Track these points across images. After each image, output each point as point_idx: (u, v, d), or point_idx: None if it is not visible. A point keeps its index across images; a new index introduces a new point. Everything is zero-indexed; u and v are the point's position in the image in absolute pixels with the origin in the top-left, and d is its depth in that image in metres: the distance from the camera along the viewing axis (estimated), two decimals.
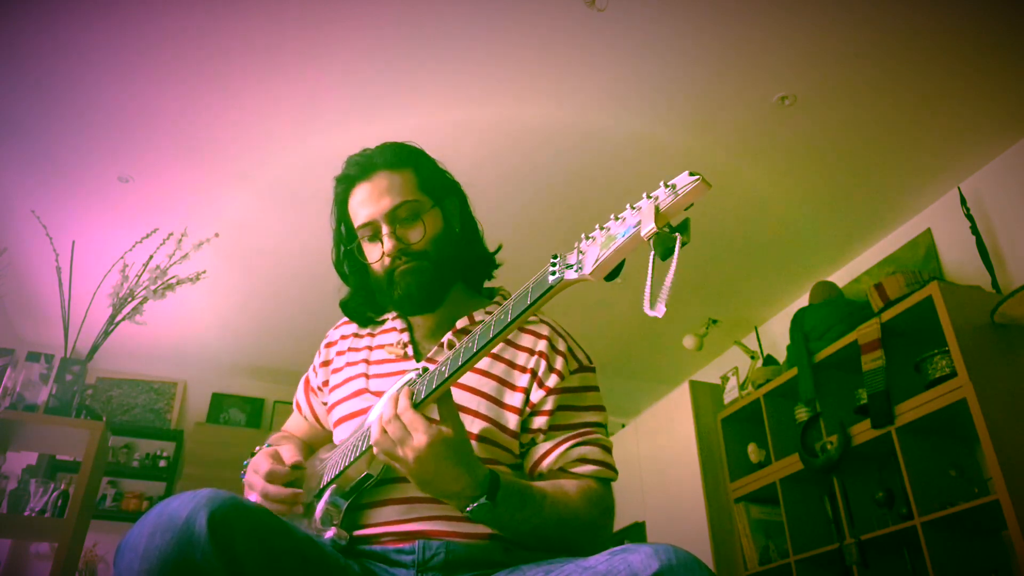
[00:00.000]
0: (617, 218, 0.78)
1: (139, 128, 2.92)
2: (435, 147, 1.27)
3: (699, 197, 0.73)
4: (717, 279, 3.98)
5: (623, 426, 4.78)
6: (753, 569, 3.52)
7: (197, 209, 3.37)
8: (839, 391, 3.26)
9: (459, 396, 1.06)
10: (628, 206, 0.77)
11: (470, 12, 2.44)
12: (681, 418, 4.08)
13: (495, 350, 1.12)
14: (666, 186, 0.73)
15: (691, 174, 0.72)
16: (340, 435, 1.17)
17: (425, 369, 0.97)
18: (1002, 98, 2.78)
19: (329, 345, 1.30)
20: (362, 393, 1.16)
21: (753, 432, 3.78)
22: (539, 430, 1.09)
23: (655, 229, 0.73)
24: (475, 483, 0.92)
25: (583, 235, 0.81)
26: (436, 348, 1.15)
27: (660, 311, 0.72)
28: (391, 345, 1.20)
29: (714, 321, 4.32)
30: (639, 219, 0.74)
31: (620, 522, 4.34)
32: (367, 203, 1.15)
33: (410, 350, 1.18)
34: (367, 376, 1.18)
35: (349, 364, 1.23)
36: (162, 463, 4.79)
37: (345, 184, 1.19)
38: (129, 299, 2.87)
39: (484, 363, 1.11)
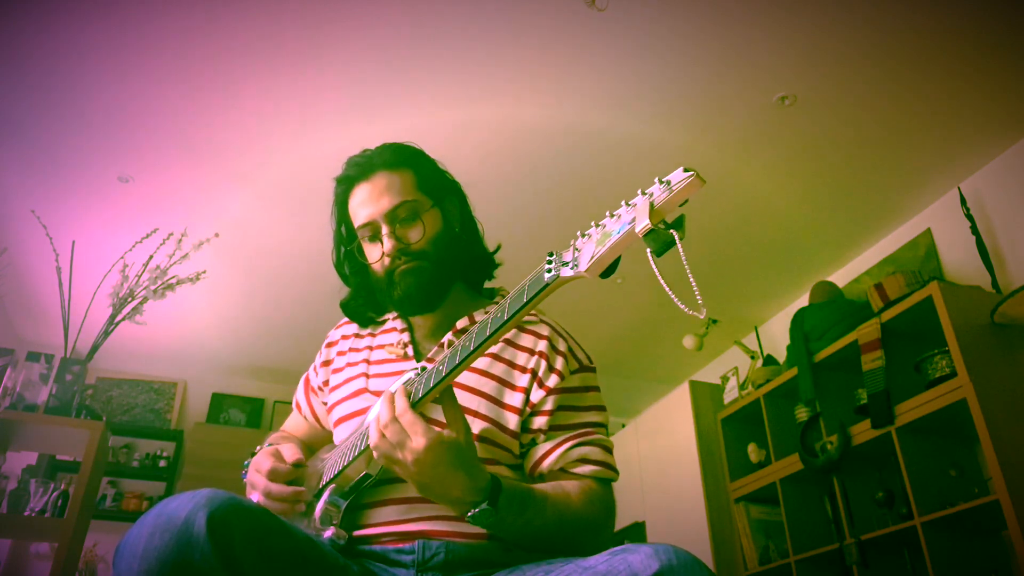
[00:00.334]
0: (612, 215, 0.77)
1: (139, 128, 2.92)
2: (435, 147, 1.27)
3: (694, 193, 0.72)
4: (717, 279, 3.98)
5: (623, 426, 4.78)
6: (753, 569, 3.52)
7: (197, 209, 3.37)
8: (839, 391, 3.26)
9: (459, 396, 1.05)
10: (623, 203, 0.76)
11: (470, 12, 2.44)
12: (681, 418, 4.08)
13: (495, 350, 1.12)
14: (660, 182, 0.73)
15: (685, 170, 0.72)
16: (340, 435, 1.16)
17: (423, 368, 0.97)
18: (1002, 98, 2.78)
19: (330, 345, 1.30)
20: (362, 393, 1.16)
21: (753, 432, 3.78)
22: (539, 430, 1.08)
23: (650, 225, 0.72)
24: (476, 488, 0.91)
25: (579, 232, 0.81)
26: (436, 348, 1.15)
27: (701, 312, 0.72)
28: (391, 345, 1.20)
29: (714, 321, 4.32)
30: (634, 215, 0.74)
31: (620, 522, 4.34)
32: (367, 203, 1.15)
33: (410, 350, 1.18)
34: (367, 376, 1.18)
35: (349, 364, 1.23)
36: (162, 463, 4.79)
37: (345, 185, 1.19)
38: (129, 299, 2.87)
39: (484, 363, 1.11)
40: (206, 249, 3.08)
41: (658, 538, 4.04)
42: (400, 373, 1.08)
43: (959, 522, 2.60)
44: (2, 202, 3.35)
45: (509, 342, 1.14)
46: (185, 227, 3.12)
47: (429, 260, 1.14)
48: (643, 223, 0.72)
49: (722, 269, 3.88)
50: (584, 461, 1.07)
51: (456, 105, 2.83)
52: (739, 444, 3.82)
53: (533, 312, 1.19)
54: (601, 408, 1.14)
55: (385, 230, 1.13)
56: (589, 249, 0.78)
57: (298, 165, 3.12)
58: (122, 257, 2.92)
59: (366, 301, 1.25)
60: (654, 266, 0.74)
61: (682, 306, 0.73)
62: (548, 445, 1.08)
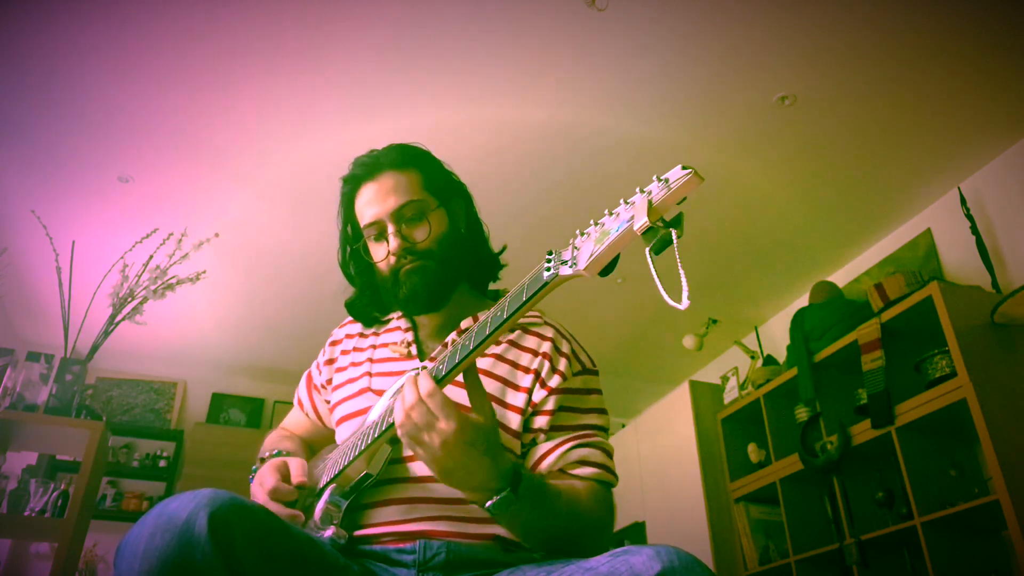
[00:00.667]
0: (611, 213, 0.77)
1: (139, 128, 2.92)
2: (435, 147, 1.27)
3: (692, 190, 0.72)
4: (717, 279, 3.98)
5: (623, 426, 4.78)
6: (753, 569, 3.52)
7: (197, 209, 3.37)
8: (839, 391, 3.26)
9: (461, 395, 1.06)
10: (622, 201, 0.76)
11: (470, 12, 2.44)
12: (681, 418, 4.08)
13: (498, 350, 1.12)
14: (659, 180, 0.73)
15: (683, 167, 0.72)
16: (342, 434, 1.17)
17: (423, 368, 0.97)
18: (1002, 98, 2.78)
19: (334, 344, 1.30)
20: (364, 392, 1.16)
21: (753, 432, 3.78)
22: (540, 430, 1.08)
23: (648, 223, 0.72)
24: (499, 474, 0.89)
25: (578, 231, 0.81)
26: (440, 348, 1.15)
27: (684, 303, 0.71)
28: (395, 344, 1.20)
29: (714, 321, 4.32)
30: (632, 214, 0.74)
31: (620, 522, 4.34)
32: (373, 203, 1.15)
33: (414, 349, 1.18)
34: (370, 375, 1.18)
35: (353, 364, 1.23)
36: (162, 463, 4.79)
37: (351, 184, 1.20)
38: (129, 299, 2.87)
39: (487, 363, 1.11)
40: (206, 249, 3.08)
41: (658, 538, 4.04)
42: (403, 372, 1.08)
43: (959, 522, 2.60)
44: (2, 202, 3.35)
45: (513, 343, 1.14)
46: (185, 227, 3.12)
47: (434, 259, 1.14)
48: (641, 221, 0.72)
49: (722, 269, 3.88)
50: (584, 463, 1.07)
51: (456, 105, 2.83)
52: (739, 444, 3.82)
53: (537, 314, 1.19)
54: (603, 412, 1.14)
55: (391, 229, 1.13)
56: (588, 248, 0.78)
57: (298, 165, 3.12)
58: (122, 257, 2.92)
59: (371, 300, 1.25)
60: (650, 262, 0.73)
61: (666, 297, 0.72)
62: (548, 445, 1.08)
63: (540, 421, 1.08)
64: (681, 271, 0.71)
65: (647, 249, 0.73)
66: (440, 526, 1.01)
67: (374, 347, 1.23)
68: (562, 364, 1.11)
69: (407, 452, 1.06)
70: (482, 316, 1.15)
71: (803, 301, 3.88)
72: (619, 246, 0.76)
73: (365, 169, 1.18)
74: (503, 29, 2.50)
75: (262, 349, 4.80)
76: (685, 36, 2.52)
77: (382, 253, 1.16)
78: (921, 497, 2.68)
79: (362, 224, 1.18)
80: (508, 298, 0.87)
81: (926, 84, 2.70)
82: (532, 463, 1.09)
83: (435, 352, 1.15)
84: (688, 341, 4.34)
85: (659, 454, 4.25)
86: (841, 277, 3.82)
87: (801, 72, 2.66)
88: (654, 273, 0.73)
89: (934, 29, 2.48)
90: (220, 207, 3.38)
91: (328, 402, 1.27)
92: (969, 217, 3.05)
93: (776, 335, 4.25)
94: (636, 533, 4.24)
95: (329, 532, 0.99)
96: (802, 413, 3.37)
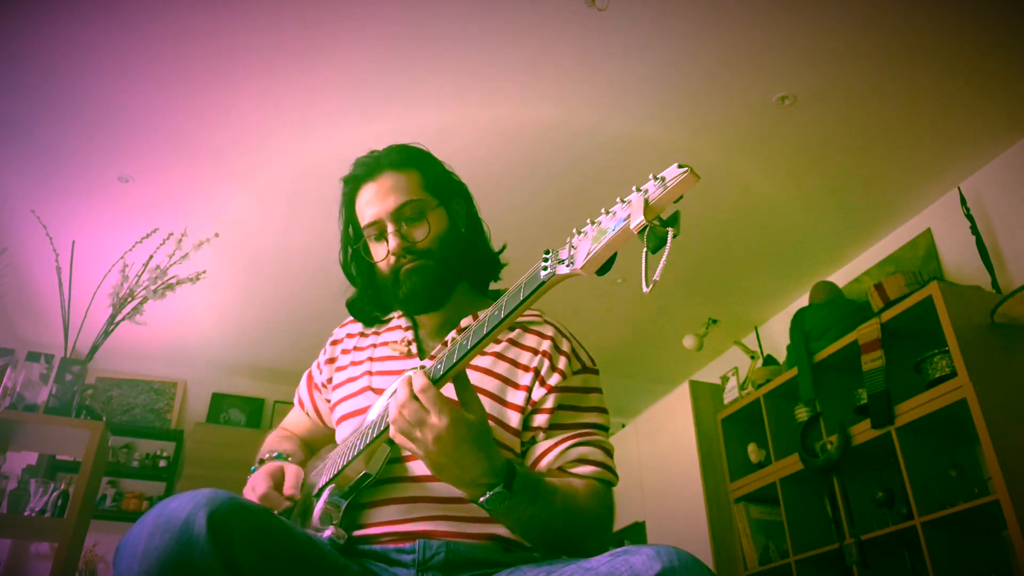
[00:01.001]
0: (608, 212, 0.77)
1: (139, 128, 2.92)
2: (435, 146, 1.28)
3: (688, 188, 0.72)
4: (717, 279, 3.98)
5: (623, 426, 4.78)
6: (753, 569, 3.52)
7: (197, 209, 3.37)
8: (839, 391, 3.26)
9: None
10: (618, 199, 0.76)
11: (470, 12, 2.44)
12: (681, 418, 4.08)
13: (498, 349, 1.12)
14: (655, 178, 0.73)
15: (680, 166, 0.72)
16: (342, 433, 1.17)
17: (422, 368, 0.97)
18: (1002, 98, 2.78)
19: (335, 343, 1.30)
20: (364, 391, 1.16)
21: (753, 432, 3.78)
22: (539, 428, 1.08)
23: (644, 222, 0.72)
24: (492, 470, 0.89)
25: (575, 230, 0.81)
26: (440, 347, 1.15)
27: (647, 288, 0.71)
28: (395, 343, 1.20)
29: (714, 321, 4.32)
30: (629, 212, 0.74)
31: (620, 522, 4.34)
32: (373, 202, 1.16)
33: (414, 348, 1.18)
34: (371, 373, 1.18)
35: (353, 363, 1.23)
36: (162, 463, 4.79)
37: (352, 184, 1.21)
38: (129, 299, 2.87)
39: (487, 361, 1.11)
40: (206, 249, 3.08)
41: (658, 538, 4.04)
42: (403, 371, 1.08)
43: (959, 522, 2.59)
44: (2, 202, 3.35)
45: (513, 341, 1.14)
46: (185, 227, 3.11)
47: (434, 259, 1.14)
48: (638, 220, 0.72)
49: (722, 269, 3.88)
50: (583, 461, 1.06)
51: (457, 105, 2.83)
52: (739, 444, 3.82)
53: (537, 313, 1.19)
54: (603, 411, 1.14)
55: (391, 228, 1.14)
56: (585, 246, 0.78)
57: (298, 165, 3.12)
58: (122, 257, 2.92)
59: (372, 300, 1.26)
60: (643, 261, 0.73)
61: (644, 283, 0.72)
62: (547, 443, 1.08)
63: (539, 419, 1.08)
64: (662, 263, 0.71)
65: (644, 248, 0.73)
66: (439, 526, 1.01)
67: (374, 346, 1.23)
68: (562, 362, 1.11)
69: (406, 452, 1.06)
70: (482, 315, 1.15)
71: (803, 301, 3.88)
72: (616, 245, 0.76)
73: (365, 169, 1.19)
74: (503, 29, 2.50)
75: (262, 349, 4.80)
76: (685, 36, 2.52)
77: (382, 253, 1.16)
78: (921, 497, 2.68)
79: (362, 224, 1.18)
80: (505, 297, 0.87)
81: (926, 84, 2.70)
82: (531, 461, 1.08)
83: (435, 351, 1.15)
84: (688, 341, 4.34)
85: (659, 454, 4.25)
86: (841, 277, 3.82)
87: (801, 72, 2.66)
88: (643, 265, 0.73)
89: (934, 29, 2.48)
90: (220, 207, 3.38)
91: (329, 401, 1.27)
92: (969, 217, 3.05)
93: (776, 335, 4.25)
94: (636, 533, 4.24)
95: (328, 532, 0.99)
96: (802, 413, 3.37)
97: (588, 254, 0.77)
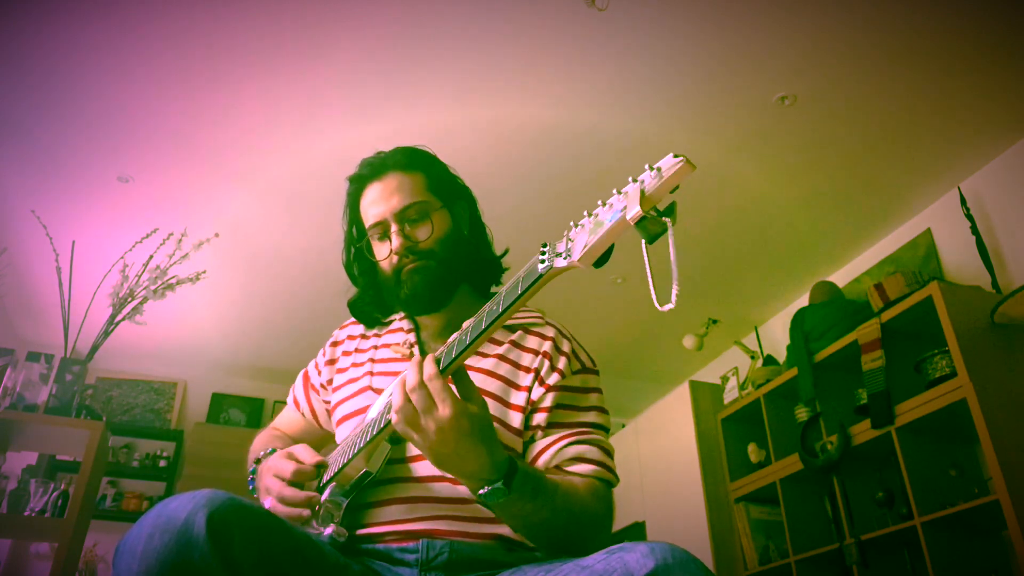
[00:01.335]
0: (604, 204, 0.77)
1: (139, 128, 2.92)
2: (434, 147, 1.28)
3: (684, 178, 0.72)
4: (717, 279, 3.97)
5: (623, 426, 4.78)
6: (753, 569, 3.52)
7: (197, 209, 3.37)
8: (839, 391, 3.26)
9: None
10: (615, 191, 0.76)
11: (470, 12, 2.44)
12: (681, 418, 4.08)
13: (500, 351, 1.13)
14: (651, 169, 0.73)
15: (675, 156, 0.72)
16: (342, 434, 1.17)
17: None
18: (1002, 98, 2.78)
19: (335, 344, 1.30)
20: (365, 391, 1.17)
21: (753, 432, 3.78)
22: (538, 427, 1.09)
23: (641, 212, 0.72)
24: (493, 465, 0.89)
25: (572, 223, 0.81)
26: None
27: (672, 303, 0.71)
28: (397, 345, 1.20)
29: (714, 321, 4.32)
30: (625, 204, 0.74)
31: (620, 522, 4.34)
32: (377, 202, 1.17)
33: (416, 350, 1.18)
34: (372, 374, 1.19)
35: (354, 364, 1.23)
36: (162, 463, 4.79)
37: (357, 184, 1.22)
38: (129, 299, 2.87)
39: (490, 363, 1.12)
40: (206, 249, 3.08)
41: (658, 538, 4.02)
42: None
43: (959, 522, 2.59)
44: (2, 202, 3.35)
45: (515, 343, 1.15)
46: (185, 227, 3.11)
47: (436, 260, 1.15)
48: (634, 210, 0.72)
49: (722, 269, 3.88)
50: (580, 460, 1.06)
51: (456, 105, 2.83)
52: (739, 444, 3.82)
53: (539, 315, 1.20)
54: (602, 411, 1.14)
55: (394, 228, 1.15)
56: (582, 239, 0.78)
57: (298, 165, 3.11)
58: (122, 257, 2.92)
59: (373, 301, 1.26)
60: (645, 255, 0.73)
61: (655, 300, 0.72)
62: (544, 441, 1.08)
63: (538, 418, 1.09)
64: (674, 265, 0.70)
65: (642, 242, 0.73)
66: (443, 525, 1.01)
67: (376, 348, 1.23)
68: (561, 362, 1.12)
69: (410, 452, 1.06)
70: (482, 310, 1.15)
71: (803, 301, 3.88)
72: (613, 236, 0.76)
73: (371, 169, 1.20)
74: (503, 29, 2.50)
75: (262, 349, 4.80)
76: (685, 36, 2.52)
77: (384, 252, 1.17)
78: (921, 497, 2.68)
79: (366, 224, 1.19)
80: (503, 291, 0.87)
81: (926, 84, 2.70)
82: (530, 459, 1.09)
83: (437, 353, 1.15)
84: (688, 341, 4.34)
85: (659, 454, 4.25)
86: (841, 277, 3.82)
87: (801, 72, 2.66)
88: (648, 272, 0.73)
89: (934, 29, 2.47)
90: (220, 207, 3.38)
91: (327, 402, 1.28)
92: (969, 217, 3.05)
93: (776, 335, 4.25)
94: (636, 533, 4.24)
95: (329, 530, 0.99)
96: (802, 413, 3.37)
97: (585, 246, 0.77)
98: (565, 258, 0.79)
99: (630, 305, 4.21)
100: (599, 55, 2.60)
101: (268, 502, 1.04)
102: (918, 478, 2.72)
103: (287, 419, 1.38)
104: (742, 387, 3.97)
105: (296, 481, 1.01)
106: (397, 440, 1.05)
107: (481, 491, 0.90)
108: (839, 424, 3.09)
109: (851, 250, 3.74)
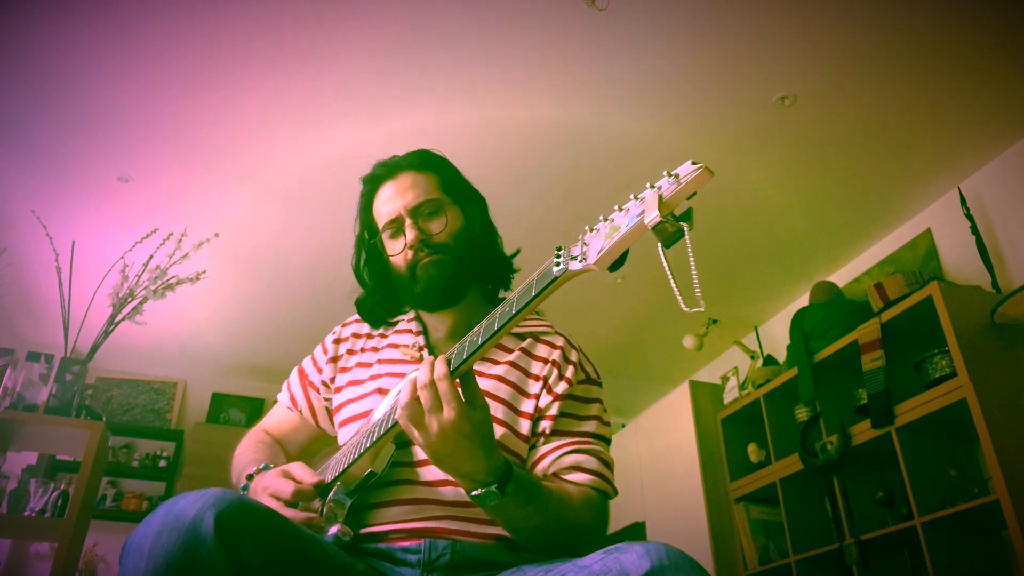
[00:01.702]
0: (621, 209, 0.79)
1: (139, 128, 2.92)
2: (436, 146, 1.29)
3: (702, 185, 0.73)
4: (717, 279, 3.98)
5: (623, 426, 4.78)
6: (753, 569, 3.52)
7: (197, 209, 3.37)
8: (839, 391, 3.26)
9: None
10: (632, 196, 0.78)
11: (470, 12, 2.44)
12: (681, 418, 4.09)
13: (511, 358, 1.14)
14: (669, 175, 0.74)
15: (694, 163, 0.73)
16: (346, 435, 1.16)
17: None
18: (1002, 98, 2.78)
19: (338, 341, 1.29)
20: (372, 393, 1.16)
21: (753, 432, 3.78)
22: (541, 433, 1.10)
23: (659, 218, 0.73)
24: (488, 468, 0.90)
25: (587, 227, 0.82)
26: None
27: (701, 306, 0.74)
28: (406, 347, 1.21)
29: (714, 321, 4.32)
30: (643, 208, 0.75)
31: (620, 522, 4.35)
32: (392, 199, 1.19)
33: (425, 352, 1.18)
34: (379, 376, 1.18)
35: (360, 365, 1.23)
36: (162, 463, 4.79)
37: (371, 184, 1.24)
38: (129, 299, 2.87)
39: (501, 370, 1.13)
40: (206, 249, 3.08)
41: (658, 538, 4.04)
42: None
43: (959, 522, 2.60)
44: (2, 202, 3.34)
45: (525, 351, 1.16)
46: (185, 227, 3.11)
47: (450, 253, 1.16)
48: (652, 215, 0.74)
49: (722, 269, 3.88)
50: (577, 469, 1.07)
51: (457, 105, 2.83)
52: (739, 444, 3.83)
53: (548, 324, 1.21)
54: (603, 422, 1.15)
55: (408, 222, 1.16)
56: (597, 243, 0.79)
57: (298, 165, 3.11)
58: (122, 257, 2.92)
59: (382, 301, 1.26)
60: (663, 258, 0.75)
61: (683, 306, 0.74)
62: (545, 448, 1.09)
63: (543, 425, 1.10)
64: (694, 270, 0.72)
65: (659, 246, 0.75)
66: (446, 525, 1.02)
67: (381, 348, 1.23)
68: (569, 371, 1.14)
69: (416, 457, 1.07)
70: (495, 311, 1.15)
71: (803, 301, 3.88)
72: (629, 240, 0.78)
73: (385, 169, 1.22)
74: (504, 29, 2.50)
75: (262, 349, 4.79)
76: (685, 36, 2.52)
77: (399, 247, 1.18)
78: (921, 497, 2.68)
79: (380, 223, 1.21)
80: (517, 293, 0.88)
81: (926, 84, 2.71)
82: (529, 465, 1.10)
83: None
84: (688, 341, 4.35)
85: (659, 454, 4.25)
86: (841, 277, 3.82)
87: (801, 72, 2.66)
88: (669, 275, 0.75)
89: (934, 29, 2.48)
90: (220, 207, 3.38)
91: (328, 401, 1.27)
92: (969, 217, 3.06)
93: (776, 335, 4.25)
94: (636, 533, 4.24)
95: (333, 530, 1.00)
96: (802, 413, 3.37)
97: (601, 250, 0.78)
98: (581, 261, 0.80)
99: (630, 305, 4.21)
100: (599, 55, 2.60)
101: None
102: (918, 478, 2.72)
103: (278, 418, 1.35)
104: (742, 387, 3.98)
105: (294, 502, 1.01)
106: (403, 443, 1.05)
107: (474, 492, 0.92)
108: (839, 424, 3.09)
109: (851, 250, 3.74)
